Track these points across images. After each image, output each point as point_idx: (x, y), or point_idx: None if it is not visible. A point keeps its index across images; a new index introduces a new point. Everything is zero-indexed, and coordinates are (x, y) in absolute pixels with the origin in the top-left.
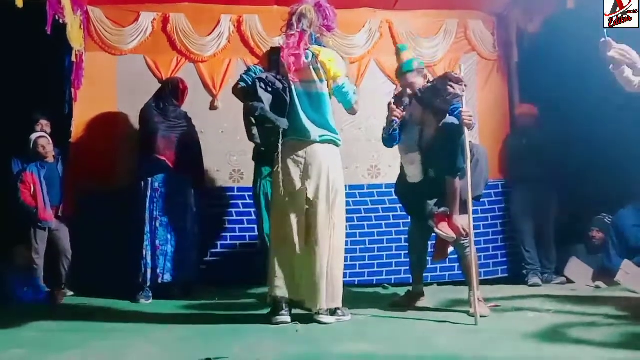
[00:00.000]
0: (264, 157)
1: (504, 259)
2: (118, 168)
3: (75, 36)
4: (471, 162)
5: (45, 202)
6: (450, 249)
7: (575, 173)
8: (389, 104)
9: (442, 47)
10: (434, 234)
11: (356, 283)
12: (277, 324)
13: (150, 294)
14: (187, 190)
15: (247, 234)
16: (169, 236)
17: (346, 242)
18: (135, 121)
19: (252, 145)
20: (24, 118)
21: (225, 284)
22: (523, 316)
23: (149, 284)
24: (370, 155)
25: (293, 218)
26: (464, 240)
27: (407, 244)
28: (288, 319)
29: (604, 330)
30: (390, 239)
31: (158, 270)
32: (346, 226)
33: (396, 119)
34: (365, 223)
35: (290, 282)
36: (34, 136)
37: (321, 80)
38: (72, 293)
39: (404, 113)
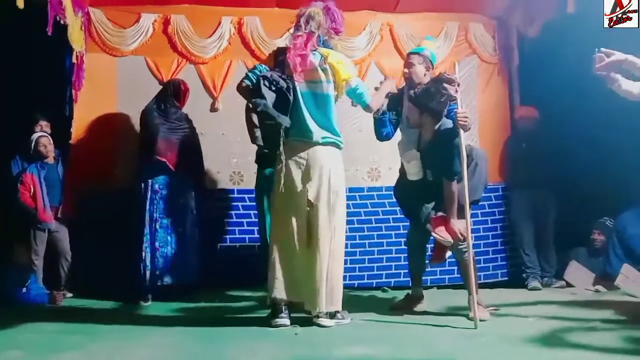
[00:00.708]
0: (266, 159)
1: (504, 263)
2: (118, 169)
3: (76, 37)
4: (470, 165)
5: (45, 203)
6: (449, 253)
7: (575, 176)
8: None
9: (443, 50)
10: (433, 237)
11: (356, 286)
12: (277, 326)
13: (150, 296)
14: (187, 192)
15: (247, 236)
16: (168, 238)
17: (346, 244)
18: (135, 122)
19: (253, 147)
20: (24, 119)
21: (224, 286)
22: (523, 320)
23: (148, 285)
24: (371, 157)
25: (293, 220)
26: (462, 245)
27: (406, 247)
28: (287, 321)
29: (603, 335)
30: (390, 242)
31: (158, 272)
32: (346, 229)
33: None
34: (365, 226)
35: (290, 284)
36: (35, 136)
37: (328, 81)
38: (71, 295)
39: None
